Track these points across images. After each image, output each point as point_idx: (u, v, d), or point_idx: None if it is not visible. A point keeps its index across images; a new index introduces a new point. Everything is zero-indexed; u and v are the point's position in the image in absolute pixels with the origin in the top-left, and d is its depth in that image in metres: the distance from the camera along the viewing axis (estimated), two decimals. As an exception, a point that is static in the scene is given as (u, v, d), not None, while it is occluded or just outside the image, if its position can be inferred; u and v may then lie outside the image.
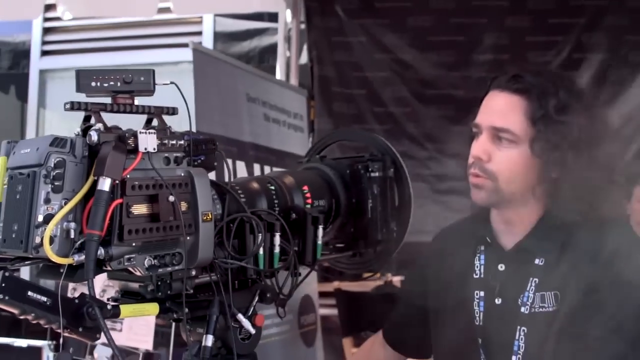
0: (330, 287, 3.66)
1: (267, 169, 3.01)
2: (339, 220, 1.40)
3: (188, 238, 1.06)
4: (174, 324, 1.44)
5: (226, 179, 1.30)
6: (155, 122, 1.10)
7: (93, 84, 1.03)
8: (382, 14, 4.22)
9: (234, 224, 1.17)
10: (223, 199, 1.18)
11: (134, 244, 1.01)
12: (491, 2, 4.10)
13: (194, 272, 1.12)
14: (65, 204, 0.97)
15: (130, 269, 1.03)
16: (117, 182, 0.99)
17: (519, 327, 1.41)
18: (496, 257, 1.48)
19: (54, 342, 2.55)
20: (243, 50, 4.93)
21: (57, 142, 0.98)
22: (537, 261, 1.42)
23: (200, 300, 1.16)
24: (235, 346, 1.16)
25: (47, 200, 0.96)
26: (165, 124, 1.10)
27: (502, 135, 1.40)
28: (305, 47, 4.37)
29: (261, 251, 1.20)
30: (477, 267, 1.51)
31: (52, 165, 0.97)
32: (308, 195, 1.34)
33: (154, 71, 1.07)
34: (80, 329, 1.03)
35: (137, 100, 1.07)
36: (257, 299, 1.22)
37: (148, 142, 1.03)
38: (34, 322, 1.01)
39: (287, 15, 4.14)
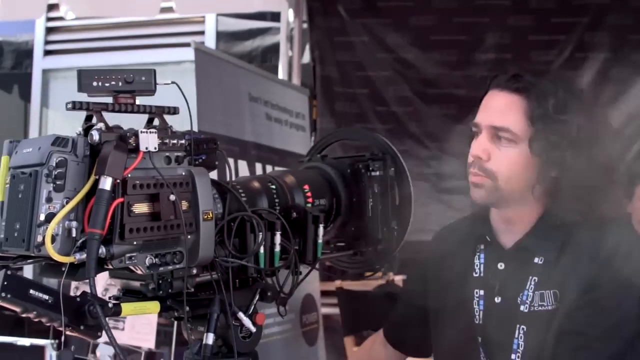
0: (333, 286, 3.67)
1: (269, 168, 3.02)
2: (340, 219, 1.40)
3: (189, 237, 1.07)
4: (176, 323, 1.44)
5: (228, 178, 1.31)
6: (156, 122, 1.11)
7: (94, 83, 1.04)
8: (384, 13, 4.22)
9: (235, 223, 1.17)
10: (224, 198, 1.18)
11: (135, 243, 1.02)
12: (493, 1, 4.11)
13: (194, 271, 1.12)
14: (67, 203, 0.97)
15: (132, 267, 1.04)
16: (118, 181, 0.99)
17: (518, 326, 1.41)
18: (496, 256, 1.49)
19: (57, 341, 2.56)
20: (245, 50, 4.94)
21: (59, 141, 0.99)
22: (536, 260, 1.43)
23: (201, 298, 1.17)
24: (235, 344, 1.17)
25: (49, 199, 0.97)
26: (167, 123, 1.10)
27: (501, 135, 1.41)
28: (307, 47, 4.37)
29: (262, 250, 1.20)
30: (476, 265, 1.51)
31: (54, 165, 0.97)
32: (309, 194, 1.34)
33: (155, 71, 1.08)
34: (82, 327, 1.03)
35: (139, 100, 1.08)
36: (257, 297, 1.23)
37: (149, 141, 1.03)
38: (36, 320, 1.02)
39: (289, 15, 4.15)
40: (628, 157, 3.74)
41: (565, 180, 1.38)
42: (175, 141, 1.08)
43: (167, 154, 1.08)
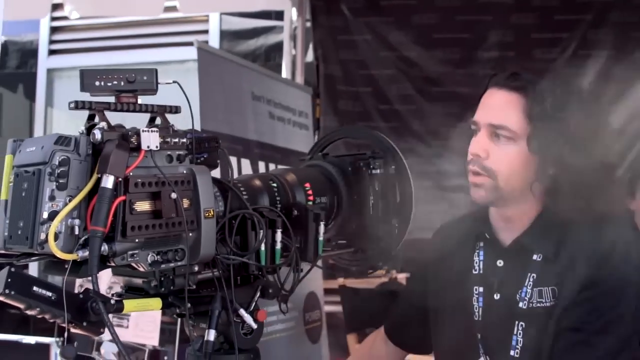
0: (336, 284, 3.68)
1: (272, 167, 3.03)
2: (341, 217, 1.41)
3: (190, 234, 1.08)
4: (179, 321, 1.45)
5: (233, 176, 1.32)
6: (158, 121, 1.12)
7: (97, 83, 1.05)
8: (387, 12, 4.23)
9: (236, 221, 1.18)
10: (225, 196, 1.19)
11: (137, 240, 1.03)
12: (496, -1, 4.11)
13: (196, 268, 1.13)
14: (70, 201, 0.99)
15: (134, 264, 1.05)
16: (120, 179, 1.00)
17: (517, 322, 1.42)
18: (495, 253, 1.50)
19: (62, 339, 2.58)
20: (249, 49, 4.95)
21: (62, 140, 1.00)
22: (535, 257, 1.44)
23: (203, 295, 1.17)
24: (237, 341, 1.17)
25: (52, 198, 0.98)
26: (168, 122, 1.11)
27: (499, 133, 1.42)
28: (311, 46, 4.38)
29: (263, 247, 1.21)
30: (476, 263, 1.52)
31: (57, 163, 0.98)
32: (310, 192, 1.35)
33: (156, 70, 1.09)
34: (85, 324, 1.05)
35: (141, 99, 1.09)
36: (259, 294, 1.23)
37: (151, 140, 1.04)
38: (39, 316, 1.03)
39: (292, 14, 4.16)
40: (631, 155, 3.74)
41: (563, 178, 1.39)
42: (176, 140, 1.09)
43: (169, 152, 1.09)
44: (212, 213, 1.10)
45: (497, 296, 1.47)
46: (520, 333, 1.42)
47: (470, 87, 3.96)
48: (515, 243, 1.48)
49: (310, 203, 1.33)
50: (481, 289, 1.50)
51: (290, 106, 3.33)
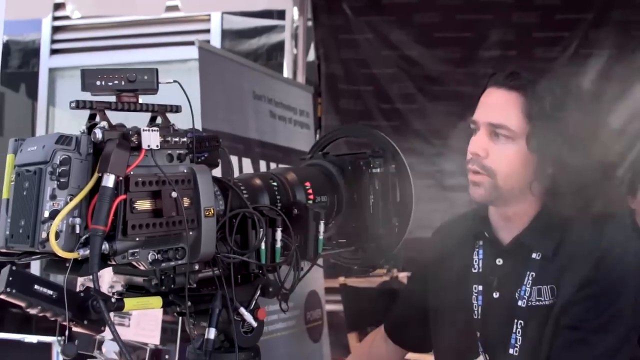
0: (337, 283, 3.68)
1: (273, 166, 3.03)
2: (341, 216, 1.42)
3: (191, 233, 1.08)
4: (180, 320, 1.46)
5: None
6: (159, 120, 1.13)
7: (98, 82, 1.05)
8: (388, 11, 4.23)
9: (237, 220, 1.18)
10: (226, 195, 1.20)
11: (137, 239, 1.03)
12: (497, -2, 4.11)
13: (197, 267, 1.13)
14: (71, 200, 0.99)
15: (134, 263, 1.05)
16: (121, 178, 1.01)
17: (516, 321, 1.43)
18: (494, 252, 1.51)
19: (63, 338, 2.59)
20: (251, 48, 4.96)
21: (63, 139, 1.01)
22: (534, 255, 1.45)
23: (203, 294, 1.18)
24: (237, 339, 1.18)
25: (53, 197, 0.99)
26: (169, 121, 1.12)
27: (499, 132, 1.42)
28: (312, 45, 4.38)
29: (263, 246, 1.21)
30: (475, 261, 1.53)
31: (58, 163, 0.99)
32: (310, 191, 1.35)
33: (157, 70, 1.10)
34: (86, 322, 1.05)
35: (142, 99, 1.10)
36: (259, 293, 1.24)
37: (151, 139, 1.05)
38: (41, 315, 1.04)
39: (294, 13, 4.16)
40: (632, 154, 3.73)
41: (562, 177, 1.39)
42: (177, 139, 1.10)
43: (169, 151, 1.09)
44: (212, 212, 1.10)
45: (496, 295, 1.48)
46: (519, 331, 1.43)
47: (471, 86, 3.96)
48: (514, 242, 1.48)
49: (311, 202, 1.34)
50: (480, 288, 1.50)
51: (292, 105, 3.33)
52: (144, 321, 2.76)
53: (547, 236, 1.44)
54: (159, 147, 1.06)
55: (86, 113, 1.07)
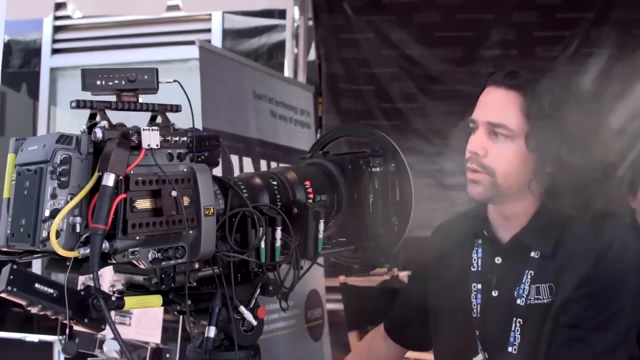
0: (338, 282, 3.69)
1: (273, 165, 3.03)
2: (341, 215, 1.42)
3: (190, 232, 1.09)
4: (181, 319, 1.46)
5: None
6: (159, 119, 1.13)
7: (98, 82, 1.06)
8: (389, 10, 4.23)
9: (236, 219, 1.19)
10: (226, 194, 1.20)
11: (137, 238, 1.04)
12: (498, -3, 4.11)
13: (197, 265, 1.14)
14: (71, 199, 1.00)
15: (135, 262, 1.06)
16: (121, 177, 1.01)
17: (514, 319, 1.43)
18: (493, 250, 1.51)
19: (64, 336, 2.59)
20: (252, 47, 4.96)
21: (63, 139, 1.01)
22: (532, 254, 1.45)
23: (203, 292, 1.18)
24: (237, 337, 1.18)
25: (54, 196, 0.99)
26: (169, 121, 1.12)
27: (498, 131, 1.43)
28: (313, 44, 4.39)
29: (263, 245, 1.21)
30: (474, 260, 1.53)
31: (58, 162, 0.99)
32: (310, 190, 1.35)
33: (157, 70, 1.10)
34: (86, 320, 1.06)
35: (142, 98, 1.10)
36: (259, 291, 1.24)
37: (151, 138, 1.05)
38: (41, 313, 1.04)
39: (295, 12, 4.17)
40: (632, 154, 3.73)
41: (561, 176, 1.40)
42: (177, 138, 1.10)
43: (169, 151, 1.10)
44: (212, 211, 1.11)
45: (495, 293, 1.48)
46: (518, 330, 1.43)
47: (472, 86, 3.94)
48: (513, 240, 1.49)
49: (310, 201, 1.34)
50: (479, 286, 1.51)
51: (292, 104, 3.34)
52: (145, 320, 2.76)
53: (546, 235, 1.45)
54: (159, 147, 1.06)
55: (87, 112, 1.08)
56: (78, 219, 1.00)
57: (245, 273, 1.24)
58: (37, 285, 1.03)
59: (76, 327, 1.07)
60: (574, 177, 1.38)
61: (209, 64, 2.73)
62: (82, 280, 2.45)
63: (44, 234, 0.98)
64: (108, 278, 2.61)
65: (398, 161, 1.43)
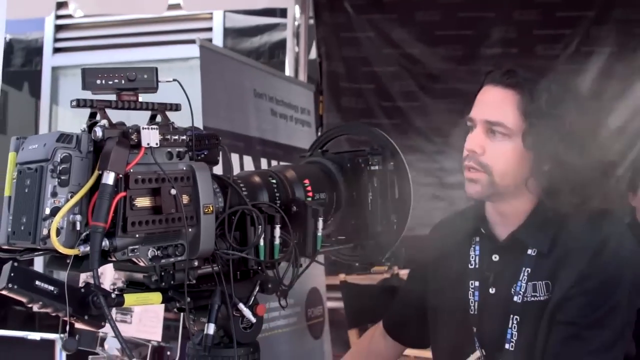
0: (338, 280, 3.69)
1: (274, 164, 3.04)
2: (340, 213, 1.43)
3: (190, 230, 1.09)
4: (182, 317, 1.47)
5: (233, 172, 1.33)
6: (159, 118, 1.14)
7: (98, 81, 1.07)
8: (389, 9, 4.24)
9: (236, 216, 1.19)
10: (225, 192, 1.21)
11: (137, 236, 1.04)
12: (499, -5, 4.12)
13: (196, 263, 1.15)
14: (71, 197, 1.00)
15: (134, 259, 1.07)
16: (120, 176, 1.02)
17: (511, 316, 1.44)
18: (490, 248, 1.52)
19: (65, 334, 2.60)
20: (253, 46, 4.97)
21: (64, 138, 1.02)
22: (529, 251, 1.46)
23: (203, 290, 1.19)
24: (236, 335, 1.19)
25: (54, 194, 1.00)
26: (169, 119, 1.13)
27: (495, 129, 1.43)
28: (314, 43, 4.39)
29: (262, 242, 1.22)
30: (472, 257, 1.54)
31: (59, 160, 1.00)
32: (309, 188, 1.36)
33: (156, 69, 1.11)
34: (86, 317, 1.07)
35: (142, 97, 1.11)
36: (258, 289, 1.25)
37: (151, 137, 1.06)
38: (42, 310, 1.05)
39: (296, 11, 4.17)
40: (632, 153, 3.74)
41: (558, 174, 1.40)
42: (176, 137, 1.11)
43: (169, 149, 1.10)
44: (211, 209, 1.12)
45: (492, 290, 1.49)
46: (514, 327, 1.44)
47: (472, 84, 3.89)
48: (510, 238, 1.49)
49: (309, 199, 1.35)
50: (477, 284, 1.51)
51: (293, 103, 3.34)
52: (146, 318, 2.77)
53: (543, 232, 1.45)
54: (158, 145, 1.07)
55: (89, 111, 1.08)
56: (78, 217, 1.01)
57: (245, 271, 1.24)
58: (37, 282, 1.04)
59: (77, 325, 1.08)
60: (571, 175, 1.38)
61: (210, 62, 2.74)
62: (84, 278, 2.46)
63: (45, 231, 0.99)
64: (109, 276, 2.62)
65: (397, 159, 1.43)
